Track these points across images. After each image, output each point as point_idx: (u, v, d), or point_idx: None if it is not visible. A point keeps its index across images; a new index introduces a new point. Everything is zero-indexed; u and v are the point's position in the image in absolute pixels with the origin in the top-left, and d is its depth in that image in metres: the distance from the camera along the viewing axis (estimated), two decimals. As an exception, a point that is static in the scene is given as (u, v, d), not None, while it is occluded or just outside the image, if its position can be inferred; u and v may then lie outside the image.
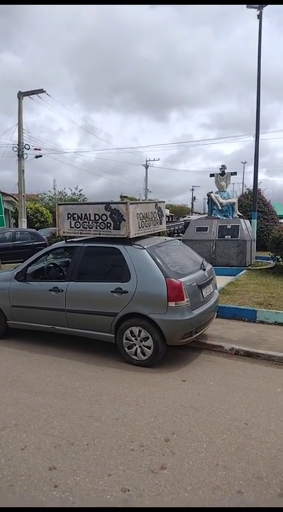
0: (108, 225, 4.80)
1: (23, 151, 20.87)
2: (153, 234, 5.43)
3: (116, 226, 4.74)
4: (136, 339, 4.46)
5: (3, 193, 20.48)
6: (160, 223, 5.56)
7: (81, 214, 5.00)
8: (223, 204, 12.75)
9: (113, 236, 4.81)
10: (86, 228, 5.00)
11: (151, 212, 5.30)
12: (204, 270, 5.06)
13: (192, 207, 65.88)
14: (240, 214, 13.35)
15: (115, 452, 2.83)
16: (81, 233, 5.09)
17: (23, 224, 20.54)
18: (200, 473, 2.61)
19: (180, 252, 5.16)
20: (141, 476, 2.58)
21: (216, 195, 12.97)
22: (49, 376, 4.20)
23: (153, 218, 5.32)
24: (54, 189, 34.83)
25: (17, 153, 21.04)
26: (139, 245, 4.65)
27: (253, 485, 2.48)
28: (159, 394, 3.77)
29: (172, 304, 4.26)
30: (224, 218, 12.60)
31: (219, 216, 12.73)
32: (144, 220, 5.05)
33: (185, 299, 4.31)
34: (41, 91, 21.34)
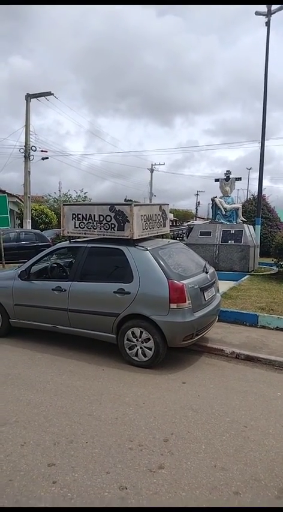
0: (112, 226, 4.84)
1: (29, 152, 21.02)
2: (157, 236, 5.46)
3: (120, 228, 4.78)
4: (137, 340, 4.48)
5: (9, 194, 20.63)
6: (164, 226, 5.59)
7: (86, 214, 5.05)
8: (227, 209, 12.78)
9: (116, 237, 4.84)
10: (90, 228, 5.04)
11: (156, 214, 5.33)
12: (207, 272, 5.08)
13: (196, 212, 65.94)
14: (244, 219, 13.37)
15: (114, 451, 2.85)
16: (85, 233, 5.13)
17: (28, 225, 20.65)
18: (198, 473, 2.62)
19: (183, 255, 5.18)
20: (139, 475, 2.59)
21: (221, 200, 13.00)
22: (50, 375, 4.23)
23: (157, 220, 5.35)
24: (59, 191, 34.97)
25: (23, 154, 21.20)
26: (142, 246, 4.68)
27: (250, 486, 2.49)
28: (159, 395, 3.78)
29: (174, 306, 4.28)
30: (228, 223, 12.62)
31: (222, 221, 12.76)
32: (148, 222, 5.08)
33: (187, 301, 4.33)
34: (49, 93, 21.51)
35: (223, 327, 5.99)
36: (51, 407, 3.49)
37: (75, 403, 3.59)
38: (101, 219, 4.93)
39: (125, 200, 38.23)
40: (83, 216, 5.08)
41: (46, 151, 23.01)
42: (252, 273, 11.39)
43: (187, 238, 16.92)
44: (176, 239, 23.41)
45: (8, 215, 11.58)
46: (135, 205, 4.80)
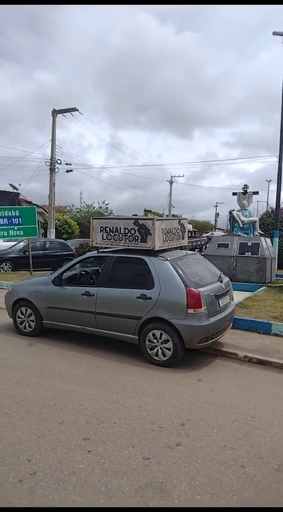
0: (136, 238, 5.39)
1: (54, 165, 22.02)
2: (176, 248, 5.98)
3: (143, 240, 5.33)
4: (157, 341, 4.97)
5: (35, 205, 21.62)
6: (183, 238, 6.11)
7: (113, 227, 5.63)
8: (244, 222, 13.16)
9: (139, 248, 5.39)
10: (116, 240, 5.62)
11: (175, 228, 5.86)
12: (222, 282, 5.54)
13: (215, 223, 66.11)
14: (261, 232, 13.70)
15: (138, 431, 3.35)
16: (111, 244, 5.71)
17: (52, 235, 21.57)
18: (210, 451, 3.08)
19: (200, 265, 5.67)
20: (159, 449, 3.08)
21: (238, 213, 13.41)
22: (80, 369, 4.77)
23: (176, 233, 5.88)
24: (84, 202, 36.37)
25: (48, 167, 22.24)
26: (163, 257, 5.21)
27: (254, 462, 2.94)
28: (177, 389, 4.25)
29: (191, 311, 4.77)
30: (245, 235, 12.99)
31: (240, 234, 13.14)
32: (168, 235, 5.61)
33: (203, 307, 4.81)
34: (74, 109, 22.59)
35: (238, 334, 6.40)
36: (83, 395, 4.02)
37: (104, 392, 4.11)
38: (126, 232, 5.50)
39: (144, 211, 39.06)
40: (110, 228, 5.66)
41: (70, 164, 24.03)
42: (269, 284, 11.68)
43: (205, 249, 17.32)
44: (194, 250, 23.79)
45: (37, 225, 12.36)
46: (156, 219, 5.35)
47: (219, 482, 2.69)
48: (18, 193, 25.97)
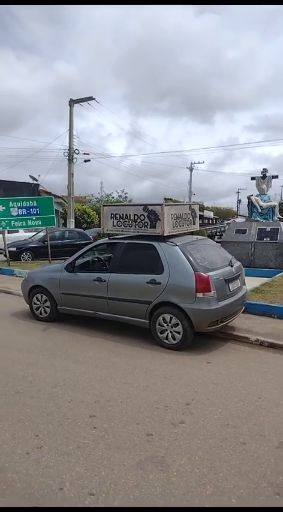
0: (146, 224, 5.43)
1: (72, 156, 22.19)
2: (187, 233, 5.97)
3: (152, 225, 5.36)
4: (167, 325, 5.03)
5: (55, 196, 21.98)
6: (194, 224, 6.09)
7: (123, 214, 5.68)
8: (263, 207, 12.92)
9: (149, 234, 5.43)
10: (127, 226, 5.67)
11: (185, 213, 5.85)
12: (232, 266, 5.52)
13: (237, 209, 64.93)
14: (281, 217, 13.41)
15: (143, 409, 3.44)
16: (122, 231, 5.77)
17: (71, 224, 21.87)
18: (212, 428, 3.14)
19: (210, 250, 5.66)
20: (163, 426, 3.16)
21: (257, 198, 13.17)
22: (92, 352, 4.92)
23: (187, 219, 5.87)
24: (104, 192, 36.67)
25: (67, 157, 22.43)
26: (172, 242, 5.23)
27: (255, 440, 2.98)
28: (185, 371, 4.32)
29: (200, 295, 4.79)
30: (264, 221, 12.76)
31: (259, 219, 12.92)
32: (178, 221, 5.62)
33: (212, 291, 4.82)
34: (91, 98, 22.57)
35: (251, 319, 6.37)
36: (93, 376, 4.16)
37: (113, 374, 4.23)
38: (136, 218, 5.54)
39: (165, 199, 38.87)
40: (120, 215, 5.72)
41: (88, 154, 24.13)
42: (288, 270, 11.48)
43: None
44: (214, 237, 23.54)
45: (54, 215, 12.59)
46: (165, 205, 5.37)
47: (219, 458, 2.75)
48: (38, 184, 26.35)
